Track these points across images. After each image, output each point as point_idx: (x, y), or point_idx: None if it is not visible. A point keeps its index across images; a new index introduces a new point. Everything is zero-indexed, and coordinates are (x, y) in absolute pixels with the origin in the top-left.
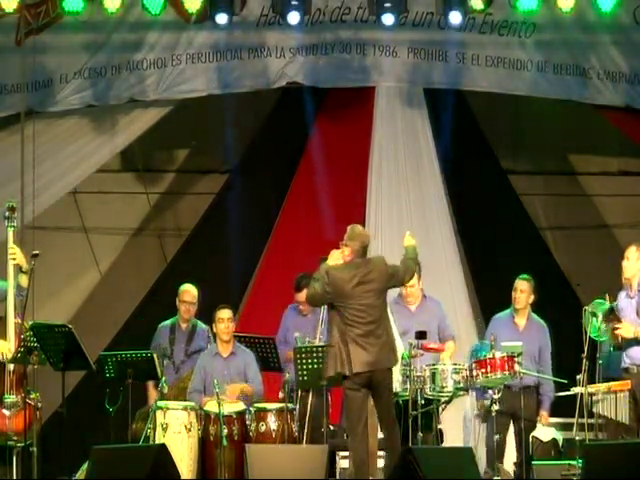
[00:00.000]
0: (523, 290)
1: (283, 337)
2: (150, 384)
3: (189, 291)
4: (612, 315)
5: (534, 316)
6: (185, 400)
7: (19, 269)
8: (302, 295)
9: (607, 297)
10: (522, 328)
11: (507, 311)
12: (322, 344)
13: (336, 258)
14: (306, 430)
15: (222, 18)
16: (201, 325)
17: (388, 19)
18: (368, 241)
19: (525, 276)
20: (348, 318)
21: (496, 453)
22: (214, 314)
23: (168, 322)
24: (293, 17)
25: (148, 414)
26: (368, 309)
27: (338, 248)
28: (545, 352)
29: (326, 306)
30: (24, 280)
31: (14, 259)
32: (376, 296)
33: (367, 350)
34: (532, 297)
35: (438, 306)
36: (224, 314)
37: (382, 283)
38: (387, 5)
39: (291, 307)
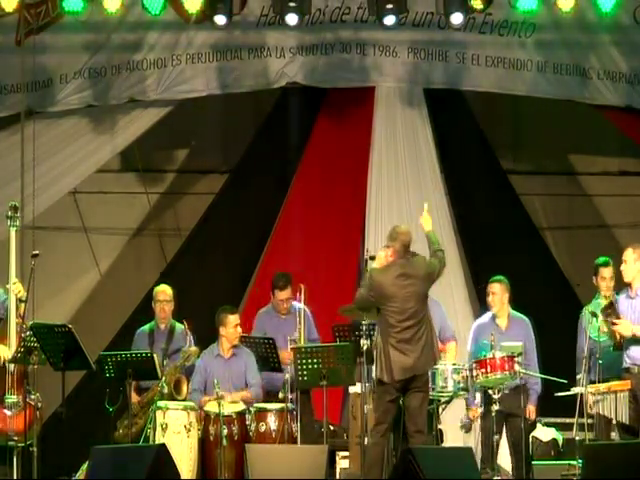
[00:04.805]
0: (495, 292)
1: None
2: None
3: (164, 291)
4: (611, 309)
5: (514, 313)
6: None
7: (18, 300)
8: (283, 294)
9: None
10: (504, 328)
11: (488, 314)
12: (322, 344)
13: (381, 259)
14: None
15: (221, 19)
16: (179, 325)
17: (389, 20)
18: (409, 239)
19: (496, 277)
20: (390, 322)
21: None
22: (220, 316)
23: (146, 327)
24: (292, 17)
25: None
26: (409, 313)
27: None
28: (529, 346)
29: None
30: (22, 309)
31: (18, 293)
32: (416, 299)
33: (407, 355)
34: (507, 295)
35: (437, 306)
36: (233, 320)
37: (421, 286)
38: (388, 7)
39: (263, 311)
